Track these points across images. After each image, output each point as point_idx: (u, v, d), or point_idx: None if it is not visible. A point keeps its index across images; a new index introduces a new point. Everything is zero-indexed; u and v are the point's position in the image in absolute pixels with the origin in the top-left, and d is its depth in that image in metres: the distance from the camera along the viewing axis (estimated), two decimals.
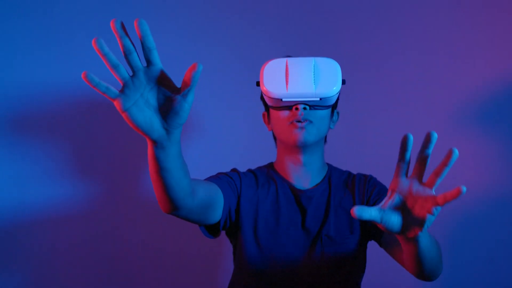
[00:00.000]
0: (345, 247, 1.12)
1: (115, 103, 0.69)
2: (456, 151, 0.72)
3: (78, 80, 1.53)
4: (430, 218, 0.75)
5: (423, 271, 0.91)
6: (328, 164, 1.23)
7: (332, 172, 1.20)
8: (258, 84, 1.12)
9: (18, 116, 1.52)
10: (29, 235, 1.51)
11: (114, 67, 0.68)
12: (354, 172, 1.24)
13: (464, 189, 0.69)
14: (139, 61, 0.70)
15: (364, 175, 1.20)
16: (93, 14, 1.55)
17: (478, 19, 1.57)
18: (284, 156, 1.18)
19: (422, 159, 0.76)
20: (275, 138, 1.22)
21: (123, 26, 0.66)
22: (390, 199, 0.78)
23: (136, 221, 1.54)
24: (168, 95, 0.72)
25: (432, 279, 0.96)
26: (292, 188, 1.17)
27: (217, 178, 1.11)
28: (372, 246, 1.24)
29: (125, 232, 1.54)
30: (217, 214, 1.05)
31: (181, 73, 1.57)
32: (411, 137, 0.75)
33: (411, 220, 0.77)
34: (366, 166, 1.36)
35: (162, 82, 0.72)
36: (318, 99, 1.07)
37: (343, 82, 1.16)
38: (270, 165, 1.24)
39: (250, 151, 1.54)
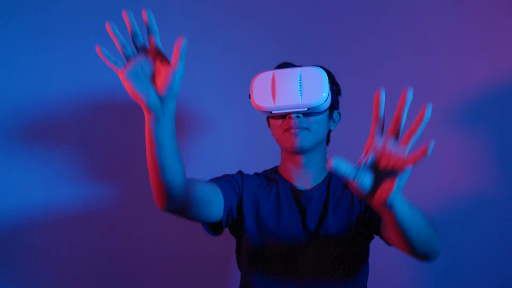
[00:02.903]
0: (343, 245, 1.13)
1: (119, 73, 0.83)
2: (429, 111, 0.72)
3: (81, 81, 1.54)
4: (399, 181, 0.74)
5: (412, 247, 0.88)
6: None
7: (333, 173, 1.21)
8: (250, 96, 1.15)
9: (20, 117, 1.52)
10: (30, 237, 1.50)
11: (122, 46, 0.82)
12: None
13: (431, 144, 0.68)
14: (143, 42, 0.84)
15: None
16: (93, 15, 1.55)
17: (473, 19, 1.58)
18: (285, 159, 1.21)
19: (398, 116, 0.75)
20: None
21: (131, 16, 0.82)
22: (365, 158, 0.77)
23: (140, 223, 1.54)
24: (164, 65, 0.84)
25: (429, 258, 0.93)
26: (293, 189, 1.19)
27: (218, 179, 1.15)
28: (376, 249, 1.24)
29: (129, 234, 1.54)
30: (217, 213, 1.08)
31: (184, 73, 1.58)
32: (383, 93, 0.74)
33: (383, 181, 0.76)
34: None
35: (158, 57, 0.85)
36: (306, 109, 1.10)
37: (336, 83, 1.17)
38: (275, 168, 1.27)
39: (256, 154, 1.55)
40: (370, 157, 0.77)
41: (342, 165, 0.74)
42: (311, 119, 1.13)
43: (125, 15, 0.80)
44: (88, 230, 1.52)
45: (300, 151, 1.15)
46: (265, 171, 1.27)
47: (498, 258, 1.53)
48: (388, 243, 1.07)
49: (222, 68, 1.59)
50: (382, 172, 0.76)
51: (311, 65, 1.18)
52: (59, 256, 1.51)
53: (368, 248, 1.20)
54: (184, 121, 1.57)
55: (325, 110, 1.15)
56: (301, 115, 1.12)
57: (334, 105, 1.21)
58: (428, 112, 0.72)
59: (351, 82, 1.44)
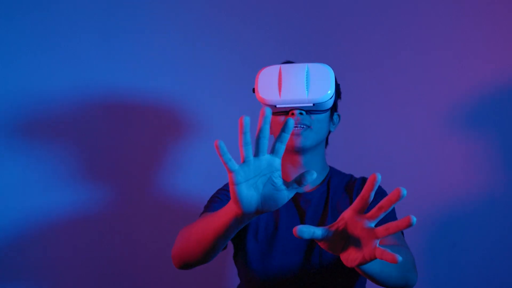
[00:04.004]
0: None
1: (230, 175, 0.74)
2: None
3: (81, 81, 1.54)
4: (364, 263, 0.72)
5: (382, 286, 0.89)
6: (330, 167, 1.24)
7: (332, 175, 1.21)
8: (254, 91, 1.13)
9: (20, 117, 1.52)
10: (29, 238, 1.50)
11: (245, 144, 0.72)
12: (357, 175, 1.24)
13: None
14: (266, 149, 0.75)
15: (364, 178, 1.20)
16: (93, 15, 1.55)
17: (473, 19, 1.58)
18: (284, 158, 1.19)
19: (382, 206, 0.71)
20: None
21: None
22: (338, 226, 0.76)
23: (140, 224, 1.54)
24: (276, 186, 0.76)
25: None
26: None
27: (220, 202, 1.14)
28: None
29: (129, 235, 1.54)
30: None
31: (182, 73, 1.58)
32: (379, 178, 0.71)
33: (352, 250, 0.75)
34: (366, 169, 1.36)
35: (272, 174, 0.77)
36: (311, 104, 1.09)
37: (338, 85, 1.16)
38: None
39: None
40: (343, 227, 0.75)
41: (308, 232, 0.72)
42: (314, 117, 1.12)
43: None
44: (88, 231, 1.52)
45: (301, 150, 1.14)
46: None
47: (499, 258, 1.53)
48: None
49: (222, 68, 1.59)
50: (355, 243, 0.74)
51: None
52: (58, 257, 1.51)
53: None
54: (183, 121, 1.57)
55: (328, 109, 1.14)
56: (304, 113, 1.11)
57: (335, 107, 1.21)
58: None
59: (351, 83, 1.44)
